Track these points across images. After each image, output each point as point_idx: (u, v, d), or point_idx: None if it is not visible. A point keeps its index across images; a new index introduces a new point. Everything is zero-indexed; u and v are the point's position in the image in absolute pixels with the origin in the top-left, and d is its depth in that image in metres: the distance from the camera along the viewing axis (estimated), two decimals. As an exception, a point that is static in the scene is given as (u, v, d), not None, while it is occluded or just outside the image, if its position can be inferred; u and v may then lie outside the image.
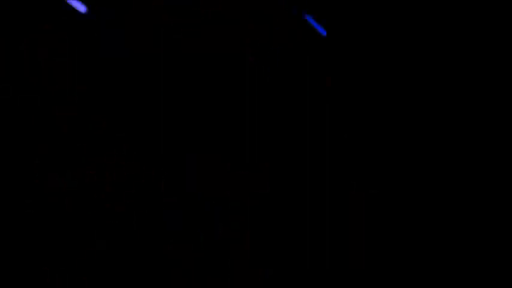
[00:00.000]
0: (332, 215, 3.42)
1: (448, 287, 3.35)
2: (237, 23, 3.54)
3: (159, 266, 3.29)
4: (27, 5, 3.46)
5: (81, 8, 2.62)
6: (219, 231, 3.34)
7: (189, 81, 3.51)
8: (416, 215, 3.43)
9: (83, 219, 3.34)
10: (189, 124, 3.47)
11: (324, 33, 2.96)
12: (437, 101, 3.54)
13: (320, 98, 3.52)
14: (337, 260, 3.37)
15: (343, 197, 3.44)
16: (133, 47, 3.52)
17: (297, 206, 3.41)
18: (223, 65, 3.52)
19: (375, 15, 3.58)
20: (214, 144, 3.45)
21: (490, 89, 3.54)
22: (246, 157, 3.45)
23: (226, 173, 3.42)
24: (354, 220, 3.42)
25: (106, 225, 3.33)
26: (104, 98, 3.48)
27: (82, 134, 3.41)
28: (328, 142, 3.49)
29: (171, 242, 3.32)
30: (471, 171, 3.47)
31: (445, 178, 3.47)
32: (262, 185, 3.42)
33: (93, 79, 3.48)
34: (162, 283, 3.28)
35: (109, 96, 3.48)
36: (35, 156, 3.36)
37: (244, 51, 3.53)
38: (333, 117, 3.51)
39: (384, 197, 3.44)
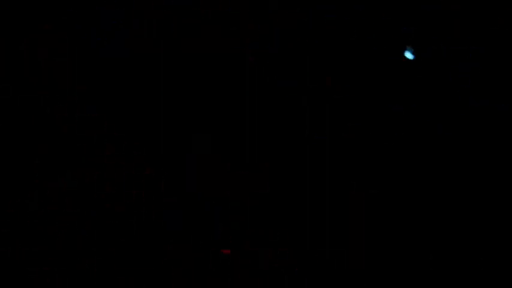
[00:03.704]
0: (332, 215, 3.42)
1: (448, 287, 3.35)
2: (237, 23, 3.54)
3: (159, 266, 3.29)
4: (27, 5, 3.46)
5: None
6: (219, 231, 3.34)
7: (189, 81, 3.51)
8: (417, 214, 3.43)
9: (83, 219, 3.34)
10: (189, 124, 3.47)
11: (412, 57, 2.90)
12: (438, 101, 3.54)
13: (320, 98, 3.52)
14: (337, 259, 3.37)
15: (343, 197, 3.44)
16: (134, 47, 3.52)
17: (297, 206, 3.41)
18: (223, 65, 3.52)
19: (375, 15, 3.58)
20: (214, 144, 3.46)
21: (491, 90, 3.54)
22: (246, 157, 3.45)
23: (226, 173, 3.42)
24: (354, 220, 3.42)
25: (106, 225, 3.33)
26: (104, 98, 3.48)
27: (82, 134, 3.41)
28: (328, 142, 3.49)
29: (171, 242, 3.32)
30: (471, 171, 3.47)
31: (445, 178, 3.47)
32: (262, 185, 3.42)
33: (93, 79, 3.48)
34: (162, 283, 3.28)
35: (109, 96, 3.48)
36: (35, 156, 3.36)
37: (244, 51, 3.53)
38: (333, 117, 3.51)
39: (383, 197, 3.44)
